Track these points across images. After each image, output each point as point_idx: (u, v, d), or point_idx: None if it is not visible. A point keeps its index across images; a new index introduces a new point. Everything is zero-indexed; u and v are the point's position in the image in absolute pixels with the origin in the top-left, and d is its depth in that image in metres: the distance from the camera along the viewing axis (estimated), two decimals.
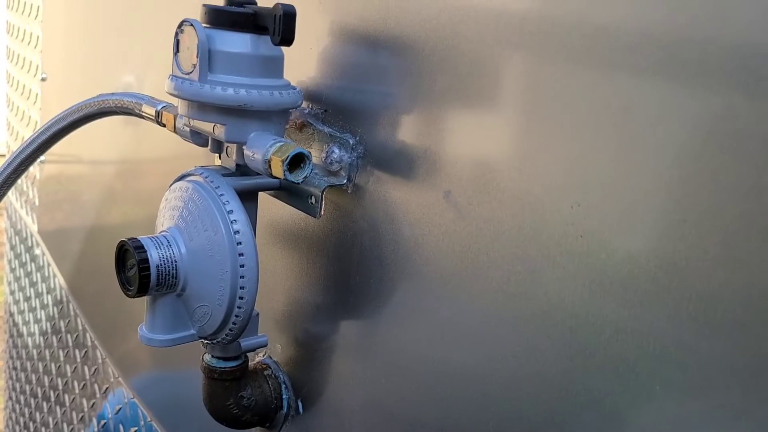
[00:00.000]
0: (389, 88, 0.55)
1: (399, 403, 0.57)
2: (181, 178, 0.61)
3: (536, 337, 0.45)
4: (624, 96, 0.39)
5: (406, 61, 0.53)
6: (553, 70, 0.43)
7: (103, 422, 1.11)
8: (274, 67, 0.57)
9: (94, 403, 1.16)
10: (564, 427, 0.44)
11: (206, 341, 0.63)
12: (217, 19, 0.55)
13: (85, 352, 1.19)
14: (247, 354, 0.67)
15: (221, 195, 0.57)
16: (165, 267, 0.57)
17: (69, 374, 1.27)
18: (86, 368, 1.18)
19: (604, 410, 0.41)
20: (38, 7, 1.43)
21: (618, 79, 0.39)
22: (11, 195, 1.72)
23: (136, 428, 0.99)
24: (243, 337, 0.63)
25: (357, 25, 0.57)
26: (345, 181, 0.58)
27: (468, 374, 0.51)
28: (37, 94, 1.49)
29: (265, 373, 0.68)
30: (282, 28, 0.53)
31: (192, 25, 0.54)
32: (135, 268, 0.57)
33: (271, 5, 0.55)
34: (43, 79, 1.44)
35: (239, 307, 0.57)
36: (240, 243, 0.56)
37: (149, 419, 0.95)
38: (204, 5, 0.56)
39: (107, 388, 1.10)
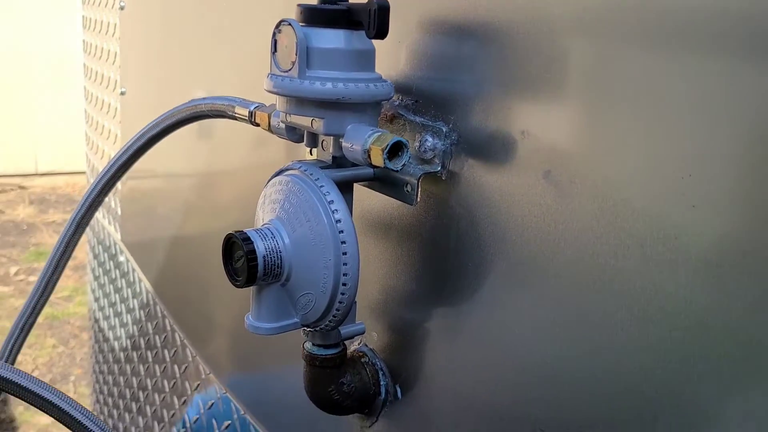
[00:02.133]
0: (481, 75, 0.56)
1: (497, 388, 0.58)
2: (279, 173, 0.64)
3: (645, 322, 0.45)
4: (740, 74, 0.39)
5: (497, 47, 0.54)
6: (660, 53, 0.43)
7: (195, 418, 1.15)
8: (367, 60, 0.59)
9: (185, 400, 1.20)
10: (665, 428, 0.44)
11: (308, 329, 0.65)
12: (312, 17, 0.58)
13: (174, 351, 1.24)
14: (345, 345, 0.69)
15: (321, 186, 0.59)
16: (271, 257, 0.60)
17: (158, 374, 1.33)
18: (176, 367, 1.23)
19: (710, 412, 0.41)
20: (115, 24, 1.50)
21: (729, 58, 0.40)
22: None
23: (229, 422, 1.03)
24: (343, 326, 0.65)
25: (446, 14, 0.59)
26: (439, 168, 0.60)
27: (569, 365, 0.51)
28: (116, 108, 1.56)
29: (363, 360, 0.70)
30: (377, 22, 0.55)
31: (290, 24, 0.57)
32: (243, 260, 0.59)
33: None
34: (122, 94, 1.50)
35: (342, 294, 0.59)
36: (342, 231, 0.58)
37: (243, 412, 0.98)
38: (299, 5, 0.59)
39: (198, 384, 1.14)
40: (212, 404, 1.05)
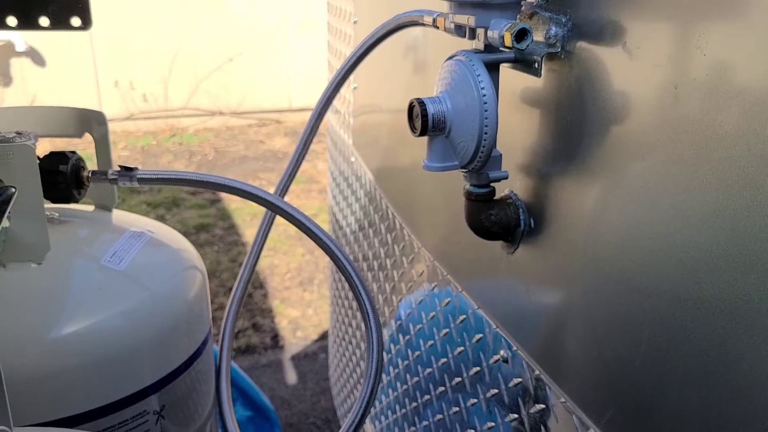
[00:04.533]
0: None
1: (610, 225, 0.79)
2: (449, 59, 0.90)
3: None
4: None
5: None
6: None
7: (431, 314, 1.33)
8: None
9: (394, 261, 1.54)
10: None
11: (464, 172, 0.91)
12: None
13: (387, 223, 1.58)
14: (494, 187, 0.94)
15: (473, 65, 0.84)
16: (437, 116, 0.87)
17: (377, 244, 1.68)
18: (389, 235, 1.57)
19: None
20: None
21: None
22: (333, 120, 2.21)
23: (464, 316, 1.18)
24: (490, 170, 0.91)
25: None
26: (559, 49, 0.81)
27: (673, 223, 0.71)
28: (350, 36, 1.91)
29: (508, 201, 0.95)
30: None
31: None
32: (419, 117, 0.87)
33: None
34: (355, 23, 1.84)
35: (485, 141, 0.84)
36: (485, 95, 0.83)
37: (477, 307, 1.13)
38: None
39: (403, 246, 1.46)
40: (448, 302, 1.22)
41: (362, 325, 1.92)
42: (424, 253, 1.36)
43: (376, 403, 1.72)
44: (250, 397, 2.47)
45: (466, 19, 0.85)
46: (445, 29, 0.93)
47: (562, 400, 0.88)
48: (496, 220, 0.94)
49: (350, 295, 2.08)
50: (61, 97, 6.56)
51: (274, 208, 1.06)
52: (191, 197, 5.72)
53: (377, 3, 1.67)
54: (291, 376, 3.61)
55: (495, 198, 0.94)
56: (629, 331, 0.76)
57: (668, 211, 0.68)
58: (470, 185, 0.93)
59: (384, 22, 1.12)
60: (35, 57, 6.51)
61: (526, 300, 0.97)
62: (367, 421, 1.83)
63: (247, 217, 5.22)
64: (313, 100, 1.26)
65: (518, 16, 0.85)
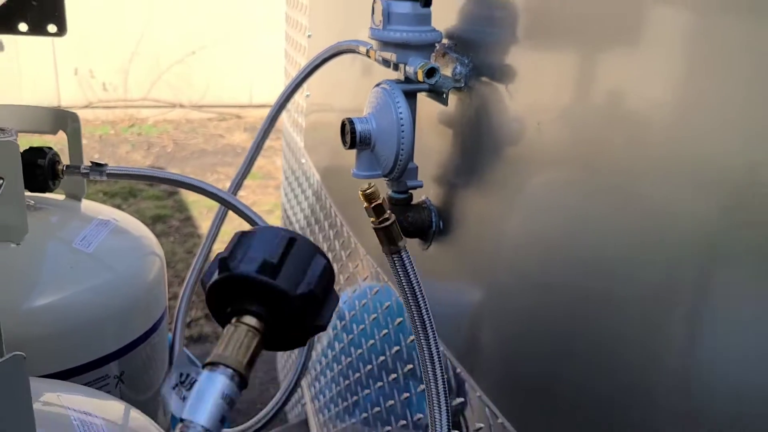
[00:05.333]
0: (492, 29, 0.95)
1: (505, 230, 0.98)
2: (377, 86, 1.08)
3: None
4: None
5: (506, 12, 0.93)
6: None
7: (363, 302, 1.48)
8: (425, 19, 1.01)
9: (341, 265, 1.72)
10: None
11: (387, 180, 1.10)
12: None
13: (330, 221, 1.75)
14: (412, 193, 1.12)
15: (393, 93, 1.03)
16: (364, 133, 1.05)
17: (321, 239, 1.86)
18: (331, 231, 1.75)
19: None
20: None
21: None
22: (288, 122, 2.37)
23: (389, 303, 1.36)
24: (408, 179, 1.09)
25: None
26: (463, 84, 1.01)
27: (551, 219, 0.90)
28: (305, 48, 2.08)
29: (423, 206, 1.14)
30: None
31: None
32: (349, 134, 1.05)
33: None
34: (309, 36, 2.02)
35: (401, 155, 1.03)
36: (402, 118, 1.01)
37: (399, 296, 1.37)
38: None
39: (343, 241, 1.64)
40: (377, 291, 1.44)
41: None
42: (360, 249, 1.54)
43: (321, 377, 1.90)
44: None
45: (390, 56, 1.03)
46: (375, 60, 1.12)
47: (458, 370, 1.07)
48: (412, 221, 1.12)
49: None
50: (19, 83, 6.55)
51: (233, 208, 1.23)
52: (148, 188, 5.78)
53: (330, 20, 1.84)
54: None
55: (412, 203, 1.13)
56: (529, 323, 0.92)
57: (552, 216, 0.87)
58: (391, 191, 1.12)
59: (327, 47, 1.30)
60: None
61: (438, 289, 1.16)
62: (309, 402, 2.01)
63: (203, 209, 5.32)
64: (274, 96, 1.43)
65: (432, 54, 1.04)
